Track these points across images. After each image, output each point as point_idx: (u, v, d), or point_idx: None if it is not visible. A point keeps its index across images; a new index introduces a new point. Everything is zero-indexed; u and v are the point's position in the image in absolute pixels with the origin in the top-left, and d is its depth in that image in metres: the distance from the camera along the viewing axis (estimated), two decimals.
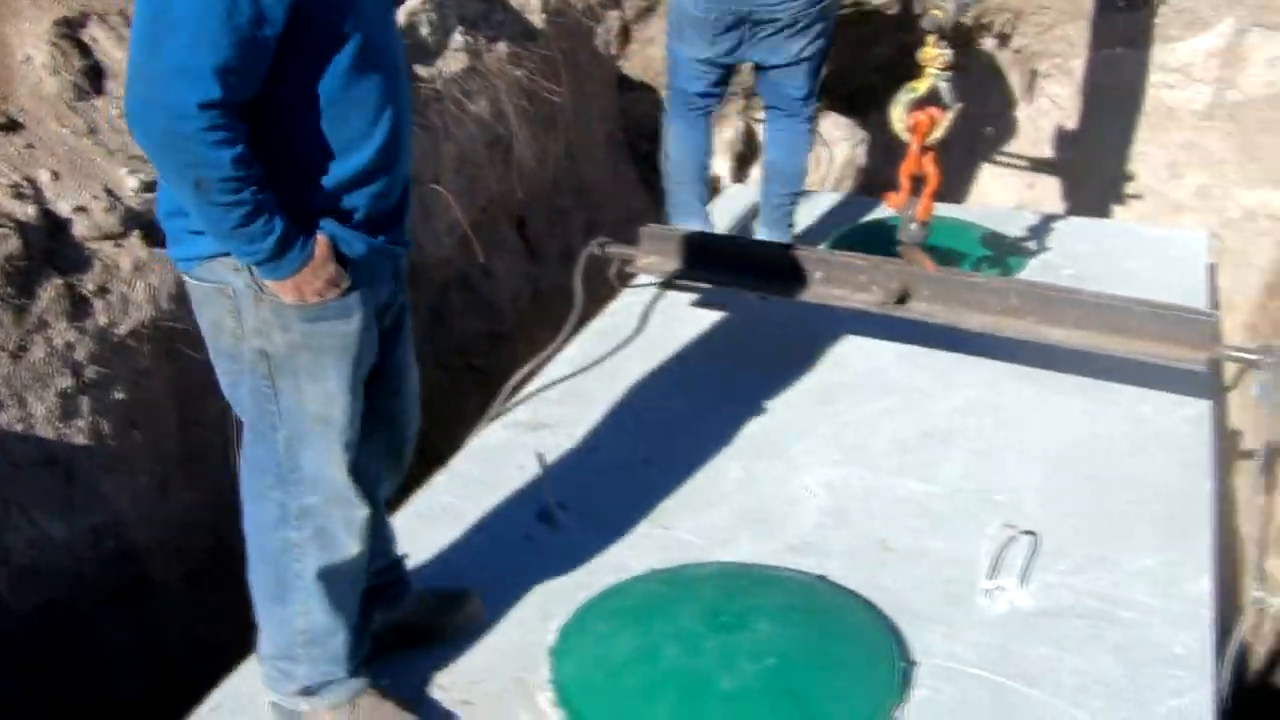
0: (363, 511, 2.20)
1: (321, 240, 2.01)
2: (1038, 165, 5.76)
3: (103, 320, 2.88)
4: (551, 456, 3.21)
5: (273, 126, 1.91)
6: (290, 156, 1.97)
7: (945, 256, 4.01)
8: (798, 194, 4.45)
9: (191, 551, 3.15)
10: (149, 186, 3.00)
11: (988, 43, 5.83)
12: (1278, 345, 3.19)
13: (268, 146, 1.90)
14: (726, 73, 4.24)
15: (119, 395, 2.93)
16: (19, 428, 2.71)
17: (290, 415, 2.14)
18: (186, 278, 2.09)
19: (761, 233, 4.47)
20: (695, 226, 4.31)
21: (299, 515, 2.17)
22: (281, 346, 2.07)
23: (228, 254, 1.98)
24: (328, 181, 2.02)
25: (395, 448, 2.39)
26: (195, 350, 2.84)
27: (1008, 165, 5.88)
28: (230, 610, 2.42)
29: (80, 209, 2.91)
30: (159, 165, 1.87)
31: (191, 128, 1.77)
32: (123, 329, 2.92)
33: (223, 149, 1.81)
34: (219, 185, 1.83)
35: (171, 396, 3.11)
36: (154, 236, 2.96)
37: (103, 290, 2.90)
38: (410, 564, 2.59)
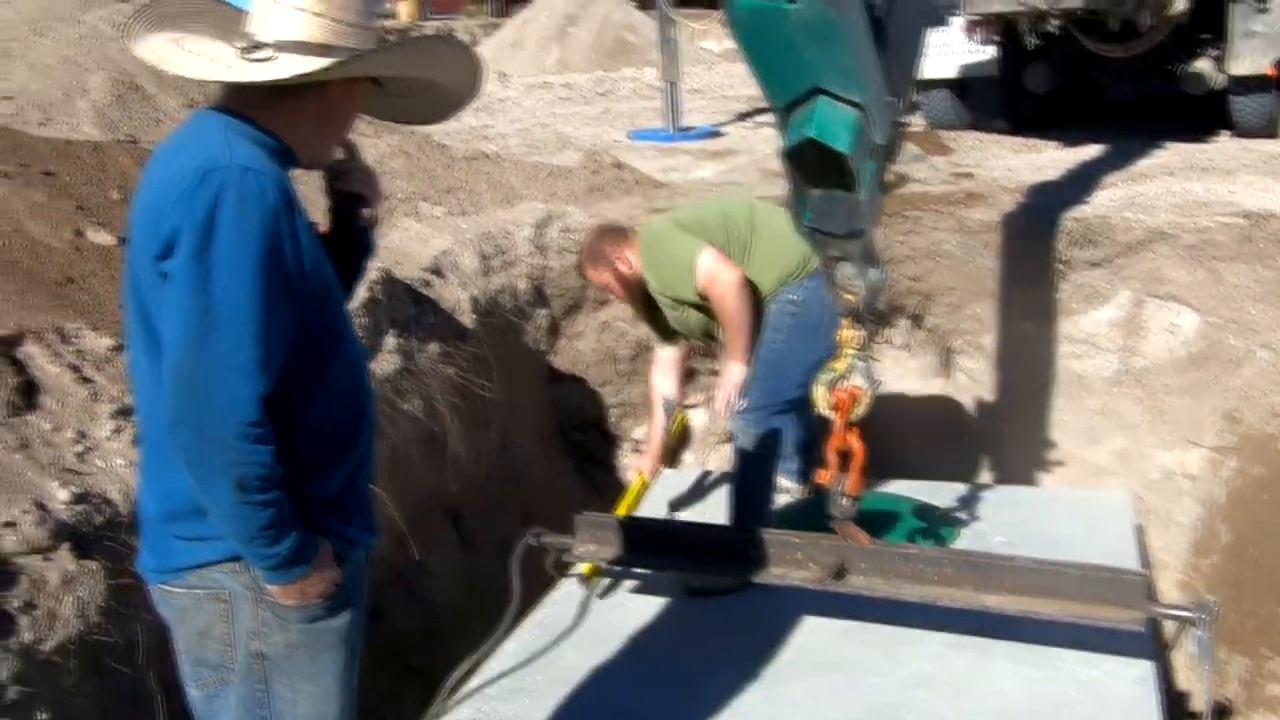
0: None
1: (325, 542, 2.01)
2: (960, 439, 5.89)
3: (28, 637, 2.80)
4: None
5: (282, 422, 1.91)
6: (297, 450, 1.96)
7: (879, 528, 4.04)
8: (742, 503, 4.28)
9: None
10: (80, 498, 2.99)
11: (902, 323, 6.08)
12: (1212, 602, 3.21)
13: (279, 443, 1.90)
14: None
15: (43, 716, 2.82)
16: None
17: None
18: (169, 588, 2.05)
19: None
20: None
21: None
22: (280, 647, 2.04)
23: (232, 559, 1.97)
24: (329, 473, 2.04)
25: None
26: (126, 665, 2.77)
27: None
28: None
29: (9, 524, 2.88)
30: (199, 466, 1.84)
31: (238, 423, 1.79)
32: (48, 645, 2.84)
33: (262, 445, 1.83)
34: (258, 483, 1.83)
35: (98, 715, 3.00)
36: (85, 549, 2.93)
37: (29, 606, 2.83)
38: None
